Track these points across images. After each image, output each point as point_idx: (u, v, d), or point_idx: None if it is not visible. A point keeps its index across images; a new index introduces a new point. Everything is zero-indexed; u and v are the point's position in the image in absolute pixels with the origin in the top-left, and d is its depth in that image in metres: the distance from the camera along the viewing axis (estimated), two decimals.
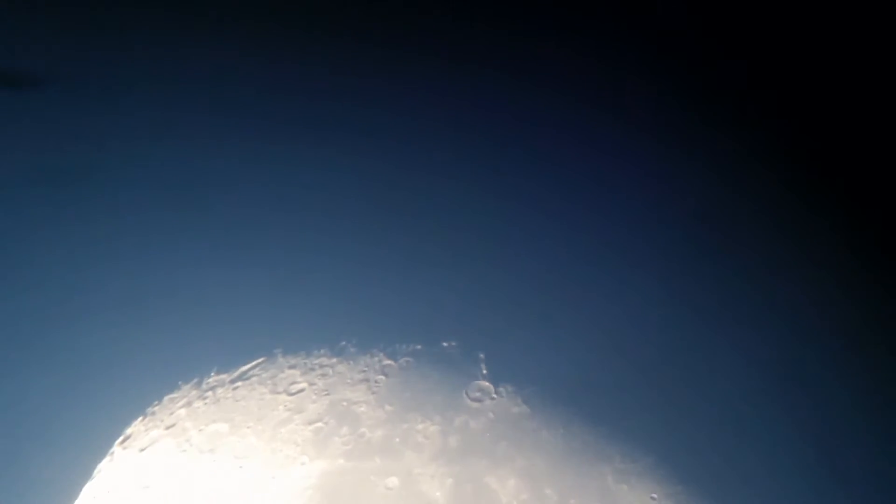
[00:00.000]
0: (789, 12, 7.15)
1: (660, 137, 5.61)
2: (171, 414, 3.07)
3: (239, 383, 3.25)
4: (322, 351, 3.44)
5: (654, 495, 3.05)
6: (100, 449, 2.91)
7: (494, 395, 3.36)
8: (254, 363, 3.34)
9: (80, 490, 2.76)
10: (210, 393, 3.19)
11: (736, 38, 7.27)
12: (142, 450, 2.93)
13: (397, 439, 3.13)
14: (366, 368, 3.40)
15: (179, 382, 3.20)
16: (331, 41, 6.13)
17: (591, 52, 6.79)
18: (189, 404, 3.13)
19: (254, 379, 3.28)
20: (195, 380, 3.23)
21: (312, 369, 3.36)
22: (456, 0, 7.30)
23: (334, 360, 3.42)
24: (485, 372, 3.45)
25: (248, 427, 3.07)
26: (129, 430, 2.99)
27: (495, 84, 6.03)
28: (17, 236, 3.74)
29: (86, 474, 2.82)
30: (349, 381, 3.34)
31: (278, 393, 3.24)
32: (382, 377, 3.38)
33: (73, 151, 4.43)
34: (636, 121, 5.84)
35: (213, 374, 3.27)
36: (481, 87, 5.94)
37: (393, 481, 2.98)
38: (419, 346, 3.52)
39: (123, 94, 5.06)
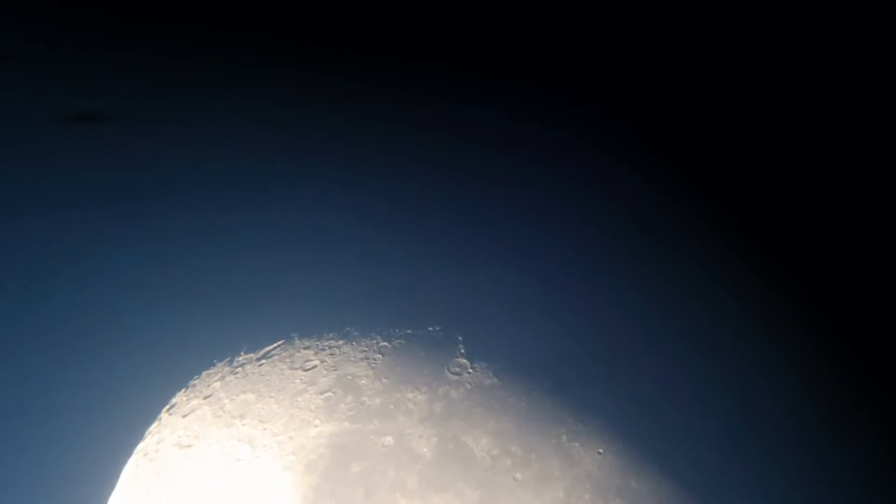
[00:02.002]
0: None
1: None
2: (209, 386, 3.38)
3: (263, 361, 3.54)
4: (331, 335, 3.75)
5: (601, 450, 3.45)
6: (150, 415, 3.21)
7: (471, 370, 3.70)
8: (275, 345, 3.64)
9: (134, 448, 3.06)
10: (240, 369, 3.49)
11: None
12: (184, 416, 3.24)
13: (392, 406, 3.45)
14: (366, 349, 3.71)
15: (215, 360, 3.50)
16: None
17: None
18: (223, 378, 3.43)
19: (275, 357, 3.57)
20: (228, 358, 3.53)
21: (323, 350, 3.67)
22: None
23: (341, 342, 3.73)
24: (463, 351, 3.80)
25: (271, 397, 3.38)
26: (174, 400, 3.29)
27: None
28: (88, 243, 4.04)
29: (138, 435, 3.12)
30: (353, 359, 3.64)
31: (295, 369, 3.54)
32: (380, 356, 3.69)
33: (136, 175, 4.78)
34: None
35: (242, 353, 3.57)
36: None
37: (388, 440, 3.30)
38: (410, 331, 3.85)
39: (176, 130, 5.41)
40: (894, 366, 4.41)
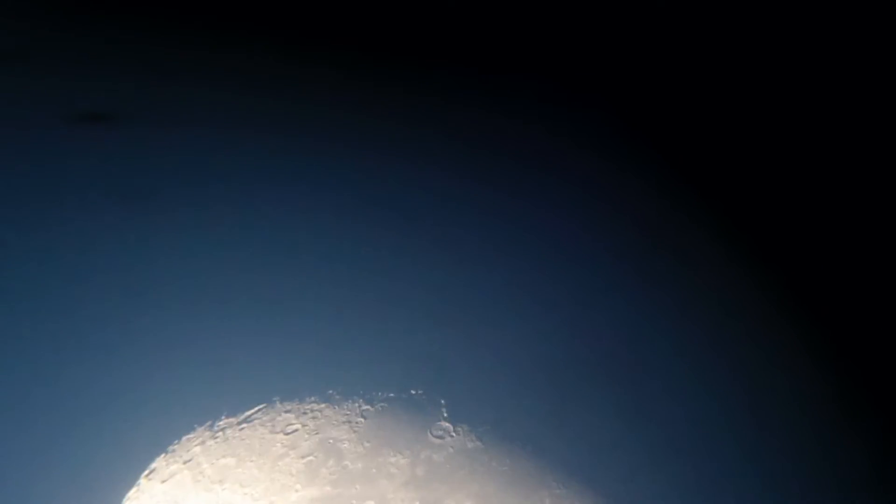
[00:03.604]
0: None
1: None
2: (188, 451, 3.37)
3: (244, 425, 3.55)
4: (312, 398, 3.76)
5: None
6: (129, 480, 3.19)
7: (453, 434, 3.69)
8: (256, 408, 3.65)
9: None
10: (220, 433, 3.49)
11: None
12: (163, 481, 3.22)
13: (374, 470, 3.42)
14: (348, 412, 3.72)
15: (195, 425, 3.50)
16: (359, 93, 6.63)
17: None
18: (203, 443, 3.42)
19: (256, 421, 3.58)
20: (208, 423, 3.53)
21: (304, 413, 3.67)
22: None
23: (322, 405, 3.73)
24: (445, 415, 3.80)
25: (251, 461, 3.37)
26: (153, 465, 3.28)
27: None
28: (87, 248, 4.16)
29: (117, 502, 3.09)
30: (335, 422, 3.64)
31: (276, 433, 3.53)
32: (362, 419, 3.69)
33: (141, 175, 4.91)
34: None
35: (223, 417, 3.57)
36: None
37: None
38: (392, 394, 3.86)
39: (181, 130, 5.57)
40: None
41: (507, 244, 5.33)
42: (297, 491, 3.29)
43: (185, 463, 3.33)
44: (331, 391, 3.83)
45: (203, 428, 3.52)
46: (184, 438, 3.45)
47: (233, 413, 3.62)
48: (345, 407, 3.76)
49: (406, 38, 8.09)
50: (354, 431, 3.63)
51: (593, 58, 8.15)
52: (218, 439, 3.47)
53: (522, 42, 8.36)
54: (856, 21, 5.97)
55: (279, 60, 7.04)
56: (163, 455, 3.35)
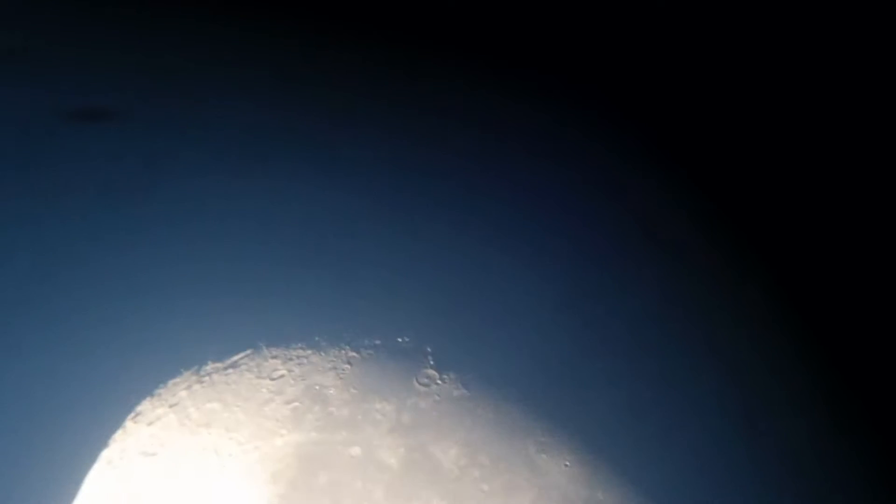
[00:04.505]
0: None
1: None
2: (175, 395, 3.37)
3: (230, 370, 3.54)
4: (299, 344, 3.74)
5: (567, 463, 3.47)
6: (115, 423, 3.21)
7: (439, 381, 3.71)
8: (243, 354, 3.64)
9: (98, 455, 3.06)
10: (207, 378, 3.48)
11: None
12: (149, 424, 3.23)
13: (360, 416, 3.45)
14: (334, 359, 3.71)
15: (181, 369, 3.50)
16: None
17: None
18: (189, 387, 3.43)
19: (242, 367, 3.57)
20: (195, 367, 3.52)
21: (291, 359, 3.66)
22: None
23: (309, 351, 3.72)
24: (432, 363, 3.81)
25: (237, 406, 3.39)
26: (139, 408, 3.28)
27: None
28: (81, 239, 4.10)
29: (102, 443, 3.12)
30: (321, 369, 3.64)
31: (262, 378, 3.54)
32: (348, 366, 3.69)
33: (135, 172, 4.85)
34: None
35: (209, 362, 3.56)
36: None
37: (356, 450, 3.31)
38: (378, 341, 3.85)
39: (175, 129, 5.47)
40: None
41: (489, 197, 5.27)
42: (282, 436, 3.32)
43: (171, 406, 3.34)
44: (317, 338, 3.82)
45: (189, 372, 3.51)
46: (170, 382, 3.45)
47: (219, 358, 3.60)
48: (331, 354, 3.75)
49: (405, 32, 7.88)
50: (340, 378, 3.63)
51: (594, 54, 7.96)
52: (204, 384, 3.47)
53: (522, 37, 8.16)
54: (856, 18, 5.80)
55: (279, 60, 6.83)
56: (149, 398, 3.35)
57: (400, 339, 3.91)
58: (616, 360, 4.11)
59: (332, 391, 3.57)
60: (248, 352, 3.68)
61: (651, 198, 5.82)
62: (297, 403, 3.49)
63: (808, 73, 6.34)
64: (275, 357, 3.68)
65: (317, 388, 3.58)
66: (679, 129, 6.85)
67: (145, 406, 3.34)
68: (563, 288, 4.55)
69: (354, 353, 3.78)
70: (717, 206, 5.84)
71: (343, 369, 3.69)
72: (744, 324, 4.64)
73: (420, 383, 3.70)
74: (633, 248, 5.06)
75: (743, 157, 6.47)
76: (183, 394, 3.43)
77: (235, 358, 3.64)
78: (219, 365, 3.59)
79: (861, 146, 5.73)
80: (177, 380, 3.48)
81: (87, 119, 5.41)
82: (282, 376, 3.59)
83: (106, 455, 3.11)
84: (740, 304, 4.79)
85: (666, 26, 7.68)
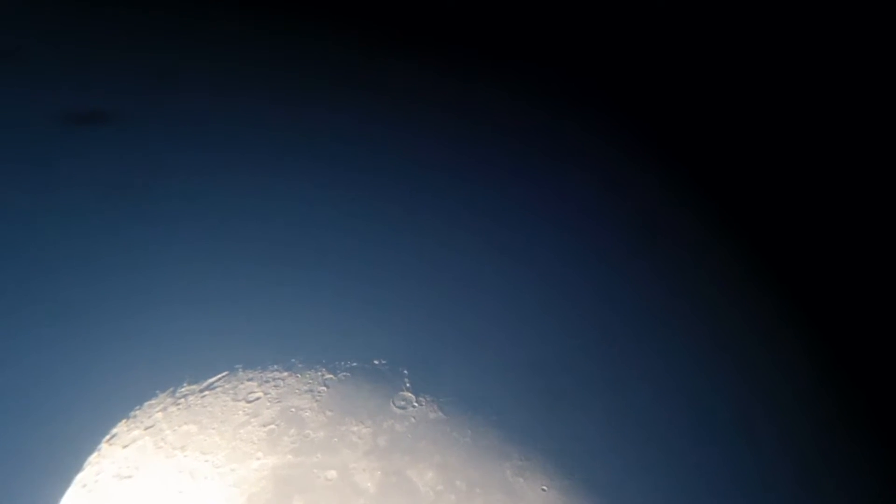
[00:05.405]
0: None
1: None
2: (150, 417, 3.37)
3: (206, 392, 3.55)
4: (275, 367, 3.75)
5: (545, 487, 3.45)
6: (90, 445, 3.21)
7: (416, 404, 3.70)
8: (219, 376, 3.64)
9: (73, 479, 3.06)
10: (182, 400, 3.49)
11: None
12: (125, 446, 3.24)
13: (336, 439, 3.45)
14: (311, 381, 3.71)
15: (157, 391, 3.50)
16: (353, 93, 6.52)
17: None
18: (165, 409, 3.43)
19: (218, 389, 3.58)
20: (170, 389, 3.52)
21: (267, 381, 3.67)
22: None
23: (285, 373, 3.72)
24: (408, 385, 3.80)
25: (213, 428, 3.39)
26: (114, 430, 3.28)
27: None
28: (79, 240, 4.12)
29: (77, 466, 3.12)
30: (297, 391, 3.64)
31: (238, 400, 3.54)
32: (324, 388, 3.69)
33: (132, 174, 4.86)
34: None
35: (185, 384, 3.57)
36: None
37: (332, 474, 3.30)
38: (355, 364, 3.85)
39: (173, 131, 5.46)
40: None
41: (490, 214, 5.24)
42: (258, 459, 3.32)
43: (146, 429, 3.34)
44: (293, 360, 3.82)
45: (165, 394, 3.52)
46: (146, 404, 3.45)
47: (195, 380, 3.61)
48: (307, 376, 3.75)
49: (405, 29, 7.84)
50: (316, 400, 3.64)
51: (595, 51, 7.92)
52: (180, 406, 3.48)
53: (523, 33, 8.12)
54: (856, 18, 5.77)
55: (279, 60, 6.81)
56: (124, 420, 3.36)
57: (376, 362, 3.91)
58: (595, 373, 4.09)
59: (308, 414, 3.57)
60: (225, 374, 3.69)
61: (652, 194, 5.79)
62: (273, 426, 3.49)
63: (808, 71, 6.30)
64: (251, 379, 3.68)
65: (293, 410, 3.58)
66: (680, 127, 6.80)
67: (120, 428, 3.34)
68: (546, 297, 4.51)
69: (331, 376, 3.78)
70: (720, 203, 5.81)
71: (319, 392, 3.69)
72: (748, 321, 4.60)
73: (396, 406, 3.70)
74: (635, 245, 5.01)
75: (745, 153, 6.43)
76: (158, 416, 3.42)
77: (211, 380, 3.64)
78: (195, 387, 3.59)
79: (862, 143, 5.70)
80: (152, 402, 3.48)
81: (87, 119, 5.41)
82: (258, 399, 3.59)
83: (80, 478, 3.10)
84: (745, 302, 4.75)
85: (667, 24, 7.64)
